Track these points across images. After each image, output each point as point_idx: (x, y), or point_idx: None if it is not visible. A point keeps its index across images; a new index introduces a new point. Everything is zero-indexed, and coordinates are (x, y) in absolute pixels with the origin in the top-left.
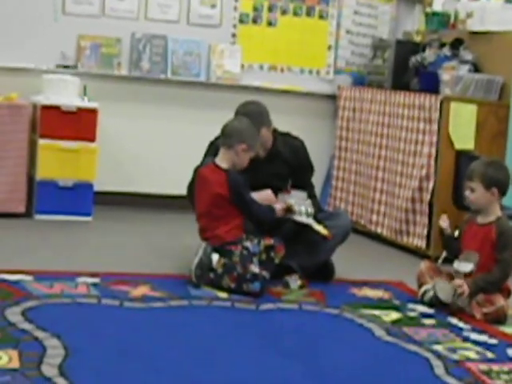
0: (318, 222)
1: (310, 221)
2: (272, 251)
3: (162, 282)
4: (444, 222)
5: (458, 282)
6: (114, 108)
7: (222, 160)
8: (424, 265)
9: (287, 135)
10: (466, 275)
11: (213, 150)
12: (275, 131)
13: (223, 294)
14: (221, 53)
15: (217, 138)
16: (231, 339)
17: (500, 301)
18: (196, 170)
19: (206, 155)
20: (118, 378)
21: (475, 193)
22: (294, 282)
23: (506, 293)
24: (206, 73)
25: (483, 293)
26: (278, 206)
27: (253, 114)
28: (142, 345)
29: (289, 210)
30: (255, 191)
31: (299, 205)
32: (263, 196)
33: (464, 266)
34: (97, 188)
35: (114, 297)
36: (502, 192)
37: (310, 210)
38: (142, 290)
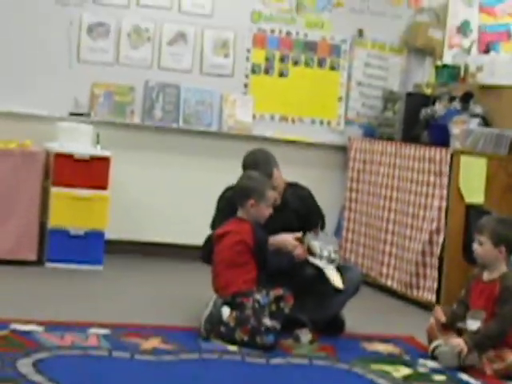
0: (338, 270)
1: (326, 266)
2: (282, 301)
3: (173, 335)
4: (439, 315)
5: (455, 340)
6: (126, 156)
7: (243, 216)
8: (434, 320)
9: (295, 185)
10: (475, 333)
11: (224, 202)
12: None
13: (233, 348)
14: (233, 102)
15: (225, 191)
16: None
17: (510, 357)
18: (210, 236)
19: (218, 211)
20: None
21: (483, 247)
22: (305, 335)
23: None
24: (218, 122)
25: (483, 348)
26: (299, 249)
27: (260, 160)
28: None
29: (309, 251)
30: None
31: (322, 249)
32: (280, 239)
33: (471, 324)
34: (108, 236)
35: (124, 349)
36: (510, 250)
37: (334, 255)
38: (152, 343)
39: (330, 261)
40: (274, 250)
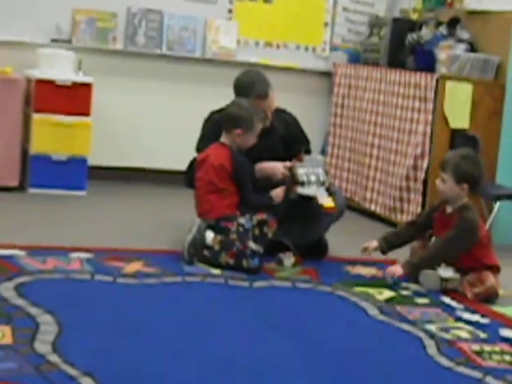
0: (328, 190)
1: (317, 192)
2: (265, 226)
3: (156, 258)
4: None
5: (392, 269)
6: (108, 82)
7: (226, 141)
8: (416, 243)
9: (282, 111)
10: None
11: (210, 125)
12: None
13: (216, 271)
14: (217, 28)
15: (212, 114)
16: (225, 315)
17: (491, 280)
18: (193, 161)
19: (203, 133)
20: (112, 355)
21: (445, 184)
22: (288, 259)
23: (496, 270)
24: (202, 48)
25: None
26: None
27: (256, 80)
28: (135, 321)
29: (295, 181)
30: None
31: (309, 174)
32: (270, 167)
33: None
34: (91, 162)
35: (107, 273)
36: (472, 188)
37: (322, 177)
38: (135, 266)
39: (320, 183)
40: (259, 180)
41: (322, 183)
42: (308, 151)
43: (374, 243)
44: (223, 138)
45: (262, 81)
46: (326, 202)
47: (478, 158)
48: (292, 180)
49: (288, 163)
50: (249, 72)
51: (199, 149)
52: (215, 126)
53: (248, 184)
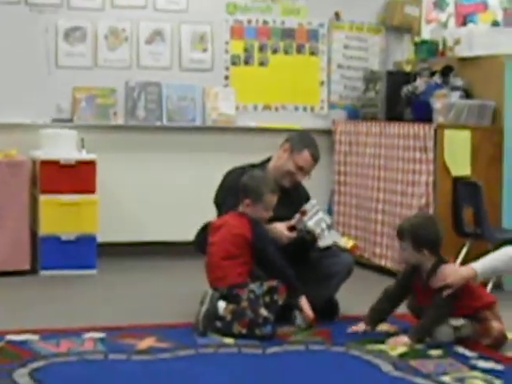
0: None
1: (334, 238)
2: (275, 293)
3: (168, 333)
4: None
5: (399, 341)
6: (112, 158)
7: (243, 210)
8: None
9: None
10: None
11: (233, 176)
12: None
13: (229, 340)
14: (215, 96)
15: (232, 170)
16: None
17: (495, 328)
18: (206, 225)
19: (223, 187)
20: None
21: (406, 252)
22: (301, 318)
23: (494, 306)
24: (202, 117)
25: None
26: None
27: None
28: None
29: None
30: None
31: (318, 223)
32: (275, 231)
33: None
34: (100, 239)
35: (121, 351)
36: (434, 251)
37: (328, 220)
38: (148, 342)
39: (329, 227)
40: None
41: (330, 227)
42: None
43: (362, 326)
44: (240, 208)
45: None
46: (346, 243)
47: (433, 219)
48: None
49: (290, 222)
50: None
51: (218, 202)
52: (237, 178)
53: (273, 253)
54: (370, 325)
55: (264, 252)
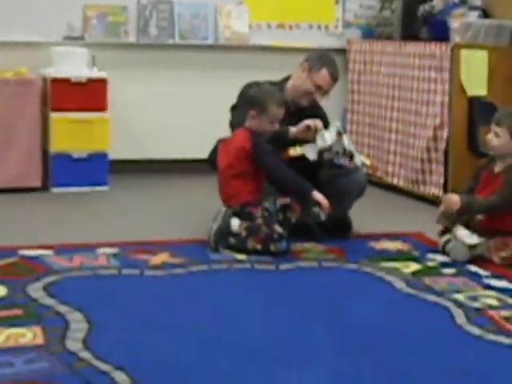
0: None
1: (354, 153)
2: (288, 211)
3: (181, 248)
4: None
5: (451, 198)
6: (123, 76)
7: (247, 124)
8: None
9: None
10: (479, 223)
11: (241, 100)
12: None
13: (242, 257)
14: (228, 14)
15: (245, 88)
16: (253, 301)
17: None
18: (219, 140)
19: (236, 107)
20: (144, 349)
21: (500, 139)
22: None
23: None
24: (214, 35)
25: (473, 213)
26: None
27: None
28: (164, 313)
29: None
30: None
31: (350, 144)
32: (301, 128)
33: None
34: (111, 157)
35: (134, 266)
36: None
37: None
38: (161, 258)
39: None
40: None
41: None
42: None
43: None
44: (247, 121)
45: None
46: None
47: None
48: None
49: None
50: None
51: (232, 123)
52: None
53: (269, 159)
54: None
55: (262, 161)
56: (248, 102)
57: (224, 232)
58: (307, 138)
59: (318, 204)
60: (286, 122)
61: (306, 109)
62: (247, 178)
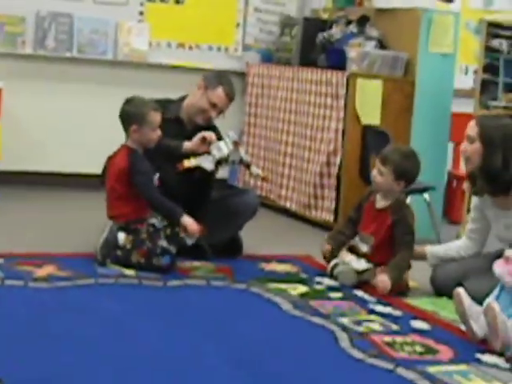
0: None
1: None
2: (177, 226)
3: (68, 261)
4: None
5: (381, 277)
6: (19, 87)
7: (128, 142)
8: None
9: None
10: (363, 255)
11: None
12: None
13: (130, 272)
14: (128, 31)
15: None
16: (140, 316)
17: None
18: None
19: None
20: (29, 357)
21: (383, 177)
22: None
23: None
24: (113, 51)
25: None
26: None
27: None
28: (50, 323)
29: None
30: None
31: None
32: (195, 141)
33: (361, 246)
34: (2, 167)
35: (18, 277)
36: (407, 185)
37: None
38: (47, 270)
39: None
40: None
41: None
42: None
43: (327, 246)
44: (128, 137)
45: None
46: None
47: (417, 157)
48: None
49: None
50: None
51: None
52: None
53: (141, 179)
54: (333, 244)
55: (134, 180)
56: (126, 119)
57: (111, 244)
58: (203, 151)
59: (185, 229)
60: (181, 139)
61: (201, 128)
62: (129, 199)
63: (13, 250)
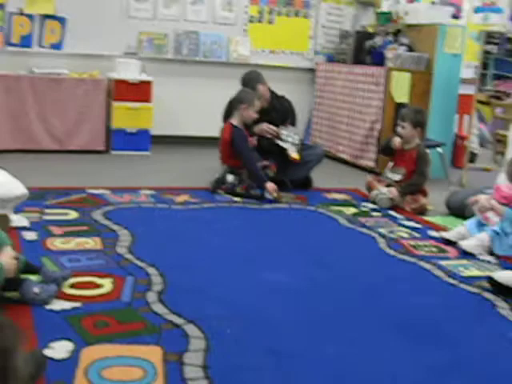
0: (298, 151)
1: (288, 146)
2: (267, 169)
3: (197, 192)
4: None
5: (392, 190)
6: (163, 80)
7: (234, 119)
8: (370, 177)
9: (282, 97)
10: (397, 181)
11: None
12: (273, 93)
13: (237, 199)
14: (236, 42)
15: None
16: (246, 226)
17: (422, 199)
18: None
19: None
20: (169, 253)
21: (405, 130)
22: (268, 194)
23: (425, 194)
24: (227, 56)
25: (410, 194)
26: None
27: (251, 78)
28: (185, 233)
29: (277, 136)
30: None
31: (288, 136)
32: (260, 127)
33: (394, 176)
34: (153, 133)
35: (164, 202)
36: (422, 130)
37: (297, 141)
38: (183, 198)
39: (294, 145)
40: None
41: (296, 145)
42: (293, 124)
43: (369, 178)
44: (233, 118)
45: (254, 78)
46: (293, 155)
47: (424, 110)
48: (276, 136)
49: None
50: (248, 72)
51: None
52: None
53: (244, 150)
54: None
55: (238, 149)
56: (238, 100)
57: (220, 181)
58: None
59: (267, 189)
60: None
61: (275, 108)
62: (234, 156)
63: (160, 185)
